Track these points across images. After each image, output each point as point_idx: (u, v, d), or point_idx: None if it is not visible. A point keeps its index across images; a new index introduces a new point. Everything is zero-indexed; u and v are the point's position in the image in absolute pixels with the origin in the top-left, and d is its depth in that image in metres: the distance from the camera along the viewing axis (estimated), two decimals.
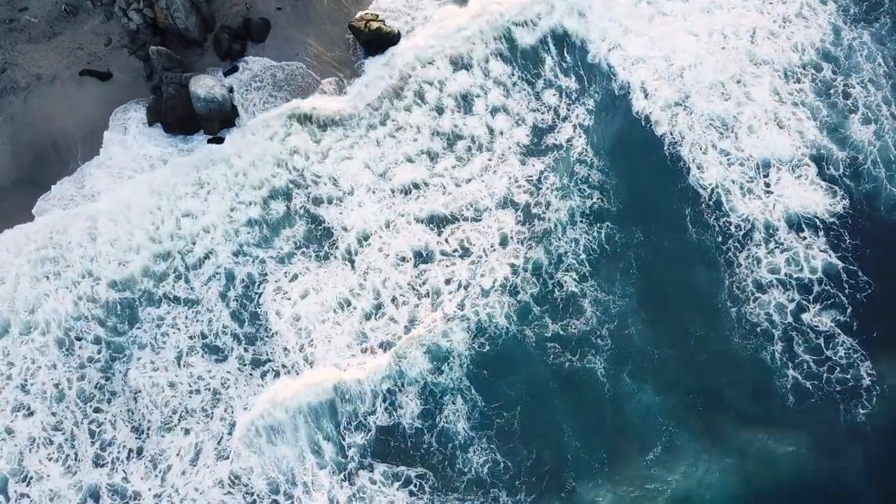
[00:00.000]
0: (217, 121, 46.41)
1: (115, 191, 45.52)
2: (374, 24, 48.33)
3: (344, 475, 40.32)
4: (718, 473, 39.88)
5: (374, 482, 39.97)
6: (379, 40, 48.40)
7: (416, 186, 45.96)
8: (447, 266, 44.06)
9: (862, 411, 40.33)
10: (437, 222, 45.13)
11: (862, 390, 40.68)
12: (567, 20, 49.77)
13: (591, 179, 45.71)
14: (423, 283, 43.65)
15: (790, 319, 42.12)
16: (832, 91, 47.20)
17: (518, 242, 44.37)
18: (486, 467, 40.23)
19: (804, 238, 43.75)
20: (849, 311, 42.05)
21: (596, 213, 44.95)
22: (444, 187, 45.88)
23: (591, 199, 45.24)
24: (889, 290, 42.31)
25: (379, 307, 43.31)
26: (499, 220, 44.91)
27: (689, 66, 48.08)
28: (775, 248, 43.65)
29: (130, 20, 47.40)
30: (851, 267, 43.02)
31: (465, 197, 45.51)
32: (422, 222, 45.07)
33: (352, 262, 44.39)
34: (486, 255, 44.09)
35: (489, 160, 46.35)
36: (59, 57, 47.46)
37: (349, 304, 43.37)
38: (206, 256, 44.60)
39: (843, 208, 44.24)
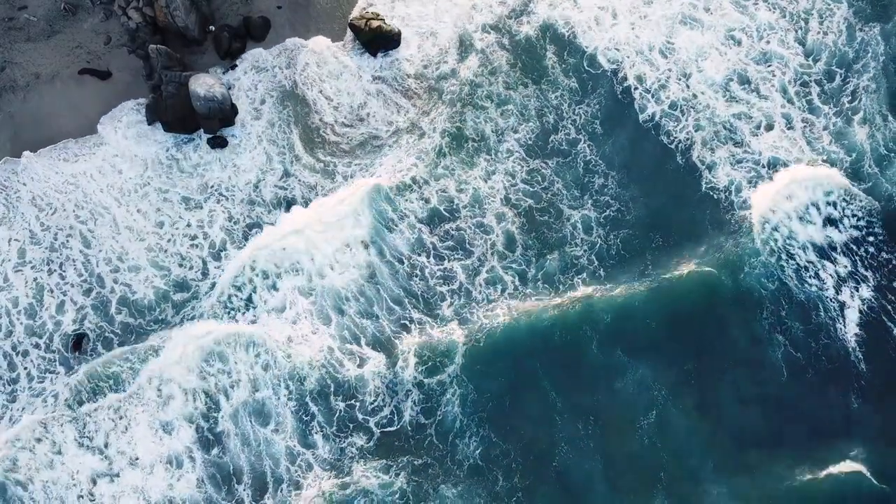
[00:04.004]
0: (217, 119, 46.29)
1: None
2: (375, 23, 48.09)
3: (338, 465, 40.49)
4: (713, 448, 40.47)
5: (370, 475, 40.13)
6: (380, 39, 48.22)
7: (419, 185, 45.79)
8: (447, 269, 44.08)
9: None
10: (438, 222, 45.12)
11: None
12: (560, 10, 49.56)
13: (597, 182, 45.71)
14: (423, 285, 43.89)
15: (796, 293, 43.05)
16: (840, 91, 47.22)
17: (525, 248, 44.48)
18: (479, 451, 40.52)
19: (811, 235, 44.15)
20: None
21: (602, 214, 45.16)
22: (446, 188, 45.79)
23: (599, 201, 45.39)
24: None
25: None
26: (503, 222, 45.01)
27: (694, 60, 47.93)
28: (785, 242, 43.88)
29: (130, 19, 47.24)
30: (860, 271, 43.78)
31: (468, 197, 45.48)
32: (423, 223, 45.00)
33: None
34: (488, 258, 44.14)
35: (491, 161, 46.35)
36: (58, 55, 47.27)
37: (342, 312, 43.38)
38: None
39: (851, 206, 44.70)
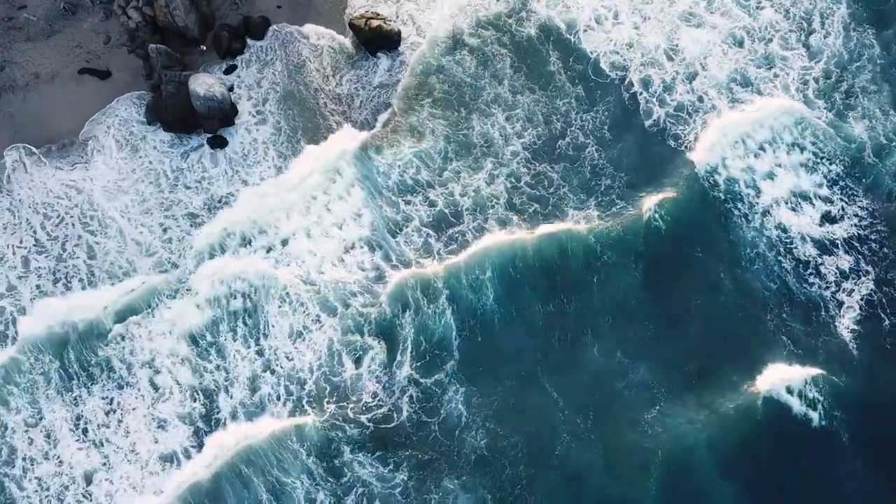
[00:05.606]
0: (217, 119, 46.13)
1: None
2: (375, 23, 47.90)
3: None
4: (710, 440, 40.29)
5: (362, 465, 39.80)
6: (380, 39, 48.04)
7: (422, 187, 45.50)
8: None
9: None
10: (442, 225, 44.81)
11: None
12: (560, 9, 49.35)
13: (603, 183, 45.61)
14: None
15: (789, 290, 43.42)
16: (839, 89, 47.43)
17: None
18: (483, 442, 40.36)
19: (808, 228, 44.45)
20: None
21: (606, 214, 45.10)
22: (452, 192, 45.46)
23: (604, 202, 45.29)
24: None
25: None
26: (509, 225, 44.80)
27: (699, 60, 47.95)
28: (785, 236, 44.20)
29: (130, 18, 47.16)
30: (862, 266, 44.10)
31: (469, 200, 45.14)
32: (427, 226, 44.66)
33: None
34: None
35: (495, 163, 46.04)
36: (58, 55, 47.14)
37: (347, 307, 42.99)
38: None
39: (852, 205, 45.14)
